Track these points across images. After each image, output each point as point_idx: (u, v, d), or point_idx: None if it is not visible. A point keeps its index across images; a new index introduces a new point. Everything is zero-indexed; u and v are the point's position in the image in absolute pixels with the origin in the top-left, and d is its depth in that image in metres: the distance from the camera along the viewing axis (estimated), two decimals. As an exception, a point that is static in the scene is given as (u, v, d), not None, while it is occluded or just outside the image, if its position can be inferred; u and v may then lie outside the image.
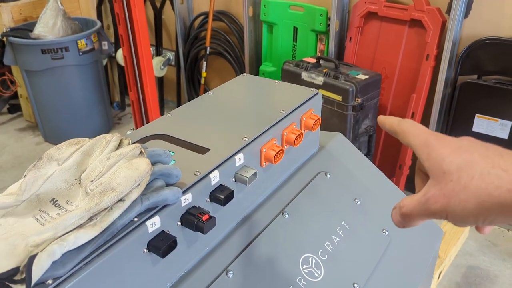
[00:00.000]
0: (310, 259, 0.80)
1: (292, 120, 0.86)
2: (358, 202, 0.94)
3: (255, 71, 3.06)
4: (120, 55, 3.44)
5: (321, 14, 2.60)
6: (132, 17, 2.59)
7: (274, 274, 0.75)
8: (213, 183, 0.69)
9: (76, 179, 0.58)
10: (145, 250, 0.60)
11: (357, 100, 2.22)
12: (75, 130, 3.27)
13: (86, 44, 3.02)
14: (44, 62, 2.92)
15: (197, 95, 3.47)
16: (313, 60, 2.44)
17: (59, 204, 0.56)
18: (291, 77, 2.44)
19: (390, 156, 2.63)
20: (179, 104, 3.59)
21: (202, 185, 0.68)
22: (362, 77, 2.26)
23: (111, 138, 0.61)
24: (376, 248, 0.89)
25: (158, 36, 3.46)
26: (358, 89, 2.20)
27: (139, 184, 0.56)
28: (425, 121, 2.41)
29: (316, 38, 2.72)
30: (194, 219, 0.64)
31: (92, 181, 0.56)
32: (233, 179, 0.74)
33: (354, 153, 1.04)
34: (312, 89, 0.93)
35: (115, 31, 3.65)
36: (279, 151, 0.80)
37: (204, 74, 3.14)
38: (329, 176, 0.95)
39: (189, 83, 3.47)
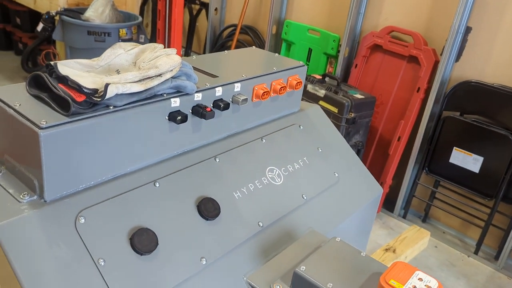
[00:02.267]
0: (274, 170, 1.11)
1: (280, 76, 1.19)
2: (320, 150, 1.25)
3: (269, 83, 3.42)
4: (153, 50, 3.84)
5: (334, 40, 2.97)
6: (171, 15, 2.99)
7: (247, 169, 1.06)
8: (216, 94, 1.02)
9: (133, 62, 0.91)
10: (166, 118, 0.92)
11: (351, 115, 2.55)
12: (100, 107, 3.63)
13: (126, 33, 3.42)
14: (88, 42, 3.32)
15: (214, 98, 3.82)
16: (319, 77, 2.79)
17: (120, 73, 0.89)
18: (299, 87, 2.78)
19: (374, 173, 2.91)
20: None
21: (209, 93, 1.00)
22: (359, 96, 2.60)
23: (158, 45, 0.94)
24: (326, 181, 1.20)
25: (189, 39, 3.86)
26: (353, 105, 2.53)
27: (172, 70, 0.88)
28: (409, 146, 2.72)
29: (327, 61, 3.08)
30: (200, 109, 0.96)
31: (143, 62, 0.89)
32: (230, 99, 1.07)
33: (326, 120, 1.36)
34: (300, 62, 1.27)
35: (152, 29, 4.08)
36: (266, 91, 1.13)
37: (224, 78, 3.50)
38: (301, 128, 1.27)
39: (209, 85, 3.83)
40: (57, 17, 3.43)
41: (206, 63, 1.16)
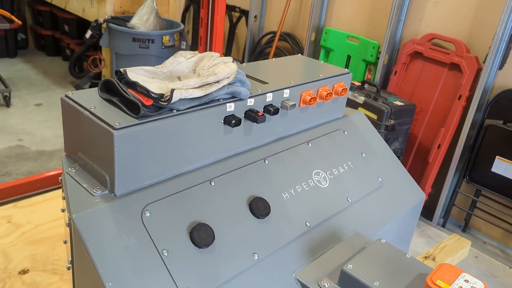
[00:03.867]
0: (320, 174, 1.15)
1: (326, 83, 1.24)
2: (364, 155, 1.29)
3: (307, 89, 3.46)
4: (193, 56, 3.96)
5: (373, 47, 2.98)
6: (213, 23, 3.08)
7: (294, 171, 1.11)
8: (267, 100, 1.08)
9: (192, 70, 0.98)
10: (222, 121, 0.99)
11: (390, 121, 2.56)
12: (143, 111, 3.77)
13: (169, 40, 3.55)
14: (133, 48, 3.47)
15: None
16: (358, 83, 2.81)
17: (181, 80, 0.96)
18: (337, 94, 2.81)
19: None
20: (234, 108, 4.03)
21: (261, 98, 1.06)
22: (398, 103, 2.61)
23: (215, 54, 1.01)
24: (369, 185, 1.23)
25: (228, 46, 3.96)
26: (392, 112, 2.54)
27: (229, 77, 0.95)
28: (449, 154, 2.69)
29: (366, 68, 3.09)
30: (252, 113, 1.02)
31: (203, 70, 0.96)
32: (279, 105, 1.12)
33: (370, 126, 1.40)
34: (345, 69, 1.31)
35: (192, 36, 4.20)
36: (312, 97, 1.17)
37: (262, 84, 3.57)
38: (346, 133, 1.31)
39: (247, 91, 3.91)
40: (104, 25, 3.60)
41: (256, 70, 1.22)
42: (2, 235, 1.76)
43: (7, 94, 3.83)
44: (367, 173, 1.25)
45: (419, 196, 1.34)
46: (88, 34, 3.64)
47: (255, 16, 3.70)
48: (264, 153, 1.10)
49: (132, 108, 0.86)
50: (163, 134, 0.88)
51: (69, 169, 0.91)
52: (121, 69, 0.92)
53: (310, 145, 1.19)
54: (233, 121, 0.98)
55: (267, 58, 3.63)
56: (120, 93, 0.88)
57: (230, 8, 3.88)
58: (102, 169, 0.85)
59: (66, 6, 4.18)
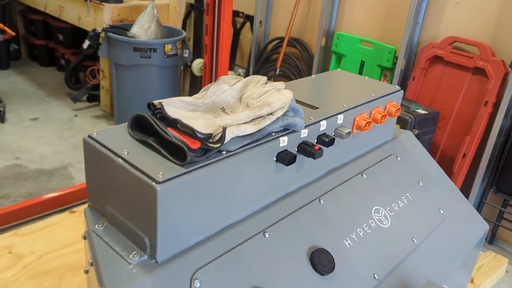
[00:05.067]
0: (380, 211, 1.00)
1: (379, 103, 1.08)
2: (421, 184, 1.13)
3: (318, 96, 3.31)
4: (195, 65, 3.79)
5: (389, 52, 2.84)
6: (219, 30, 2.92)
7: (353, 210, 0.95)
8: (321, 129, 0.92)
9: (238, 98, 0.82)
10: (274, 159, 0.82)
11: (414, 131, 2.41)
12: (145, 123, 3.59)
13: (172, 49, 3.38)
14: (134, 58, 3.29)
15: (259, 112, 3.74)
16: (377, 91, 2.66)
17: (226, 112, 0.79)
18: (354, 102, 2.66)
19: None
20: (240, 117, 3.87)
21: (314, 128, 0.90)
22: (422, 111, 2.46)
23: (261, 78, 0.85)
24: (432, 220, 1.07)
25: (232, 53, 3.79)
26: (416, 121, 2.39)
27: (283, 107, 0.79)
28: (475, 164, 2.55)
29: (381, 73, 2.95)
30: (308, 148, 0.86)
31: (252, 99, 0.79)
32: (333, 133, 0.96)
33: (420, 148, 1.24)
34: (396, 86, 1.15)
35: (194, 43, 4.03)
36: (368, 122, 1.02)
37: (270, 92, 3.41)
38: (399, 159, 1.15)
39: (253, 99, 3.75)
40: (102, 34, 3.42)
41: (299, 91, 1.06)
42: (3, 268, 1.59)
43: (2, 109, 3.64)
44: (427, 206, 1.09)
45: (483, 227, 1.19)
46: (86, 44, 3.46)
47: (260, 22, 3.55)
48: (318, 190, 0.94)
49: (175, 152, 0.70)
50: (212, 181, 0.71)
51: (96, 226, 0.74)
52: (156, 102, 0.76)
53: (364, 176, 1.04)
54: (288, 159, 0.82)
55: (274, 65, 3.48)
56: (157, 133, 0.72)
57: (234, 14, 3.71)
58: (139, 228, 0.69)
59: (60, 15, 3.99)
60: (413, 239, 1.00)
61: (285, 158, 0.82)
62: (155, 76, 3.44)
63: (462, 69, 2.59)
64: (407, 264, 0.94)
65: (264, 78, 0.86)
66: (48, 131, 3.57)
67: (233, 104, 0.81)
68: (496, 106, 2.44)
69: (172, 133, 0.70)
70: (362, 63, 3.02)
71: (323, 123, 0.92)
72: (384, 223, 0.98)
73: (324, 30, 3.11)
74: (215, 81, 0.83)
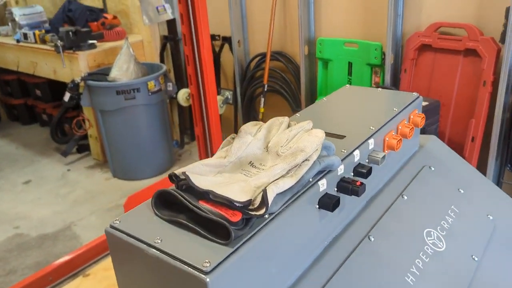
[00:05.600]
0: (432, 233, 0.91)
1: (403, 116, 1.01)
2: (462, 191, 1.05)
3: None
4: (181, 95, 3.71)
5: (376, 49, 2.78)
6: (201, 58, 2.85)
7: (405, 240, 0.87)
8: (355, 159, 0.84)
9: (264, 148, 0.73)
10: (316, 206, 0.74)
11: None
12: (141, 165, 3.49)
13: (155, 85, 3.30)
14: (118, 102, 3.20)
15: (253, 131, 3.66)
16: (372, 90, 2.60)
17: (255, 165, 0.71)
18: (352, 106, 2.60)
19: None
20: (236, 140, 3.78)
21: (348, 161, 0.82)
22: (423, 103, 2.39)
23: (283, 119, 0.77)
24: (485, 230, 0.99)
25: (216, 77, 3.71)
26: (419, 114, 2.32)
27: (317, 149, 0.71)
28: (485, 145, 2.49)
29: (371, 71, 2.89)
30: (349, 185, 0.77)
31: (281, 146, 0.71)
32: (367, 161, 0.88)
33: (448, 151, 1.17)
34: (414, 93, 1.08)
35: (174, 74, 3.96)
36: (398, 140, 0.94)
37: (262, 110, 3.34)
38: (433, 169, 1.07)
39: (245, 120, 3.67)
40: (82, 83, 3.33)
41: (317, 121, 0.98)
42: None
43: (-9, 178, 3.51)
44: (475, 214, 1.02)
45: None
46: (67, 96, 3.36)
47: (239, 41, 3.48)
48: (363, 226, 0.86)
49: (213, 228, 0.61)
50: (261, 252, 0.63)
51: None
52: (179, 172, 0.67)
53: (405, 197, 0.95)
54: (332, 204, 0.73)
55: (260, 82, 3.41)
56: (187, 208, 0.63)
57: (210, 38, 3.64)
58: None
59: (34, 71, 3.90)
60: (473, 256, 0.91)
61: (329, 203, 0.73)
62: (143, 116, 3.35)
63: (453, 53, 2.54)
64: (476, 286, 0.86)
65: (286, 119, 0.78)
66: (43, 192, 3.45)
67: (261, 155, 0.72)
68: (495, 84, 2.39)
69: (206, 207, 0.61)
70: (350, 64, 2.97)
71: (356, 153, 0.84)
72: (439, 246, 0.90)
73: (305, 38, 3.06)
74: (236, 134, 0.75)
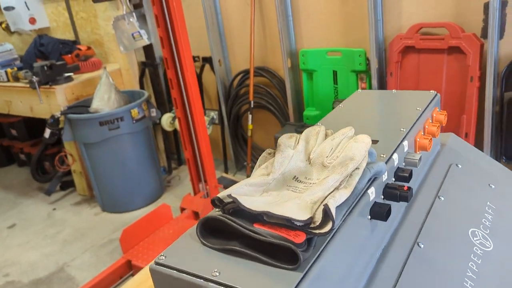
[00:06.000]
0: (477, 233, 0.87)
1: (427, 115, 0.97)
2: (493, 186, 1.02)
3: (299, 117, 3.22)
4: (165, 120, 3.64)
5: (359, 55, 2.79)
6: (185, 80, 2.79)
7: (453, 243, 0.82)
8: (395, 164, 0.79)
9: (307, 161, 0.68)
10: (368, 217, 0.69)
11: (414, 126, 2.33)
12: (131, 196, 3.38)
13: (138, 112, 3.22)
14: (102, 133, 3.10)
15: (242, 150, 3.61)
16: (362, 96, 2.59)
17: (300, 180, 0.66)
18: (344, 114, 2.58)
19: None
20: (225, 160, 3.72)
21: (389, 165, 0.78)
22: (414, 104, 2.40)
23: (319, 129, 0.72)
24: (524, 223, 0.96)
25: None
26: (413, 115, 2.32)
27: (365, 156, 0.66)
28: (479, 140, 2.50)
29: (357, 78, 2.89)
30: (396, 191, 0.73)
31: (327, 157, 0.66)
32: (403, 164, 0.84)
33: (469, 147, 1.14)
34: (431, 91, 1.05)
35: (156, 99, 3.88)
36: (430, 139, 0.90)
37: (250, 127, 3.30)
38: (460, 166, 1.04)
39: (233, 139, 3.62)
40: (61, 118, 3.22)
41: (341, 127, 0.93)
42: None
43: (-27, 226, 3.33)
44: (511, 209, 0.98)
45: None
46: (47, 133, 3.24)
47: (219, 60, 3.45)
48: (409, 233, 0.81)
49: (272, 253, 0.55)
50: (326, 274, 0.57)
51: None
52: (223, 196, 0.61)
53: (442, 198, 0.92)
54: (385, 212, 0.68)
55: (245, 99, 3.37)
56: (240, 234, 0.57)
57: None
58: None
59: (9, 110, 3.76)
60: (521, 252, 0.88)
61: (381, 212, 0.68)
62: (129, 145, 3.26)
63: (437, 52, 2.56)
64: (531, 285, 0.82)
65: (323, 128, 0.73)
66: (30, 234, 3.29)
67: (304, 169, 0.67)
68: (482, 78, 2.41)
69: (264, 231, 0.55)
70: (335, 73, 2.96)
71: (395, 156, 0.79)
72: (487, 245, 0.85)
73: (287, 51, 3.04)
74: (274, 148, 0.69)
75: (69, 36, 4.13)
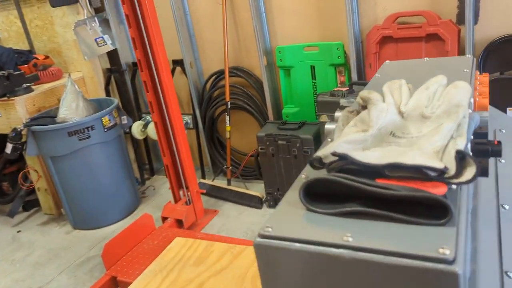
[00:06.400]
0: (545, 192, 0.83)
1: (473, 77, 0.93)
2: (538, 149, 0.99)
3: (278, 115, 3.16)
4: (135, 128, 3.46)
5: (338, 48, 2.78)
6: (161, 83, 2.66)
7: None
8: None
9: (399, 114, 0.60)
10: (469, 174, 0.62)
11: (402, 113, 2.33)
12: (105, 210, 3.17)
13: (110, 120, 3.04)
14: (71, 144, 2.89)
15: (219, 154, 3.49)
16: (346, 88, 2.57)
17: (397, 135, 0.58)
18: (328, 106, 2.55)
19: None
20: (202, 165, 3.59)
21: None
22: (400, 92, 2.40)
23: (400, 82, 0.65)
24: None
25: (171, 103, 3.51)
26: (401, 103, 2.32)
27: (471, 102, 0.59)
28: (461, 124, 2.54)
29: (335, 72, 2.87)
30: (487, 146, 0.66)
31: (426, 107, 0.59)
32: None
33: (496, 111, 1.11)
34: (467, 56, 1.01)
35: (124, 107, 3.69)
36: (487, 98, 0.85)
37: (228, 128, 3.20)
38: (504, 131, 1.00)
39: (209, 143, 3.50)
40: (24, 131, 2.98)
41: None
42: None
43: None
44: None
45: None
46: (9, 148, 2.98)
47: (191, 63, 3.33)
48: (488, 195, 0.75)
49: (405, 210, 0.46)
50: (468, 228, 0.49)
51: None
52: (324, 154, 0.52)
53: (503, 161, 0.87)
54: (486, 168, 0.62)
55: (220, 101, 3.27)
56: (361, 193, 0.48)
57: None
58: None
59: (-38, 128, 3.44)
60: None
61: (485, 168, 0.61)
62: (101, 155, 3.06)
63: (414, 40, 2.59)
64: None
65: (404, 81, 0.66)
66: (-5, 261, 3.00)
67: (400, 123, 0.59)
68: (461, 63, 2.46)
69: (395, 186, 0.47)
70: (312, 68, 2.93)
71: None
72: (559, 203, 0.81)
73: (262, 49, 2.98)
74: (361, 104, 0.61)
75: (23, 46, 3.86)
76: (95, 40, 3.41)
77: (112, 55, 3.55)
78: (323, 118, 2.60)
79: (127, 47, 3.56)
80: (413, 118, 0.59)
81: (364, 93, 0.62)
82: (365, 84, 2.44)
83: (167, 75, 2.67)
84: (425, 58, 1.07)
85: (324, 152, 0.53)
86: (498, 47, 2.41)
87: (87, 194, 3.09)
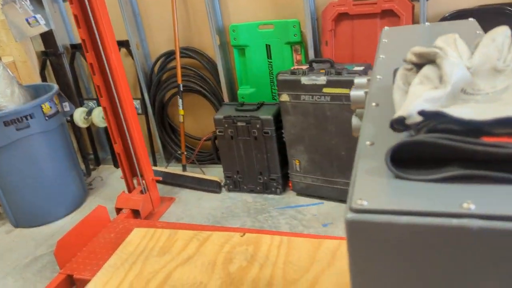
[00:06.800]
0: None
1: (483, 40, 0.90)
2: None
3: (233, 97, 3.06)
4: (78, 116, 3.21)
5: (294, 26, 2.72)
6: (110, 64, 2.46)
7: None
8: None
9: (468, 69, 0.55)
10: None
11: (364, 89, 2.33)
12: (49, 206, 2.92)
13: (51, 107, 2.78)
14: (8, 134, 2.62)
15: (171, 140, 3.34)
16: (306, 66, 2.53)
17: (469, 92, 0.52)
18: (289, 85, 2.50)
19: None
20: (153, 152, 3.42)
21: None
22: (360, 68, 2.40)
23: (454, 36, 0.60)
24: None
25: (116, 88, 3.29)
26: (362, 79, 2.32)
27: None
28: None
29: (291, 50, 2.82)
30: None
31: (498, 60, 0.54)
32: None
33: None
34: (470, 19, 0.99)
35: (64, 91, 3.41)
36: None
37: (181, 112, 3.06)
38: None
39: (160, 129, 3.33)
40: (-50, 123, 2.64)
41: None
42: None
43: None
44: None
45: None
46: None
47: (137, 44, 3.13)
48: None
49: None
50: None
51: None
52: (407, 114, 0.45)
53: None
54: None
55: (171, 83, 3.11)
56: (463, 155, 0.42)
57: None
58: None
59: None
60: None
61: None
62: (43, 146, 2.80)
63: (370, 17, 2.60)
64: None
65: (457, 35, 0.60)
66: None
67: (469, 80, 0.54)
68: (416, 39, 2.50)
69: (507, 143, 0.41)
70: (268, 47, 2.86)
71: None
72: None
73: (215, 27, 2.86)
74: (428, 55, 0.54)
75: None
76: (26, 20, 3.09)
77: (47, 37, 3.24)
78: (284, 97, 2.54)
79: (64, 27, 3.27)
80: (483, 73, 0.54)
81: (420, 48, 0.56)
82: (324, 62, 2.42)
83: (115, 55, 2.47)
84: (427, 23, 1.03)
85: (406, 111, 0.46)
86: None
87: (29, 189, 2.82)
